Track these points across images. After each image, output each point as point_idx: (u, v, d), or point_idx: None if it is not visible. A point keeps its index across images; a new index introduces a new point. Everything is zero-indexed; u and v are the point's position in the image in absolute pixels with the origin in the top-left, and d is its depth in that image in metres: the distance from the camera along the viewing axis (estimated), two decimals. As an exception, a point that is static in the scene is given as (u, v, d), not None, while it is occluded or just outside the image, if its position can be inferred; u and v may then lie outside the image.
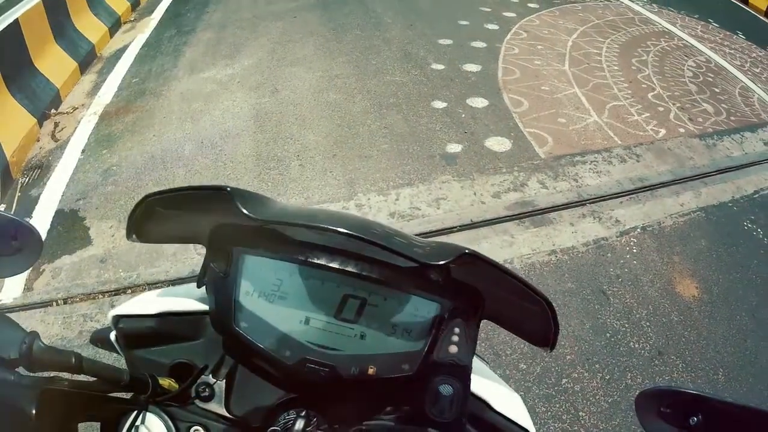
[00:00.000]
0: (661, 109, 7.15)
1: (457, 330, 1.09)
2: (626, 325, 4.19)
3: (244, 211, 0.95)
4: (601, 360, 3.92)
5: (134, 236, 1.16)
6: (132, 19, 10.44)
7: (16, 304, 4.33)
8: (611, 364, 3.90)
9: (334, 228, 0.96)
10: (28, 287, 4.48)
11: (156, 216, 1.15)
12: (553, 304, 1.04)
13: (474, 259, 0.98)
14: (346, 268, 1.07)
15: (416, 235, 4.44)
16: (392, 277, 1.08)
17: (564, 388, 3.72)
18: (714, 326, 4.25)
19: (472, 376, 1.16)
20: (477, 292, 1.13)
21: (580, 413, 3.57)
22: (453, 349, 1.07)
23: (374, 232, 1.01)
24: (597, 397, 3.67)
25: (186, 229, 1.23)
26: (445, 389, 1.06)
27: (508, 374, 3.73)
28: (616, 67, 8.23)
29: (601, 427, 3.52)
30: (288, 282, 1.11)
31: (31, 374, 0.89)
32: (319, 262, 1.08)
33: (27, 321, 4.10)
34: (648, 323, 4.23)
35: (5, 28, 6.54)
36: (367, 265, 1.08)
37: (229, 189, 0.98)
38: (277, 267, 1.11)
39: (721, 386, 3.82)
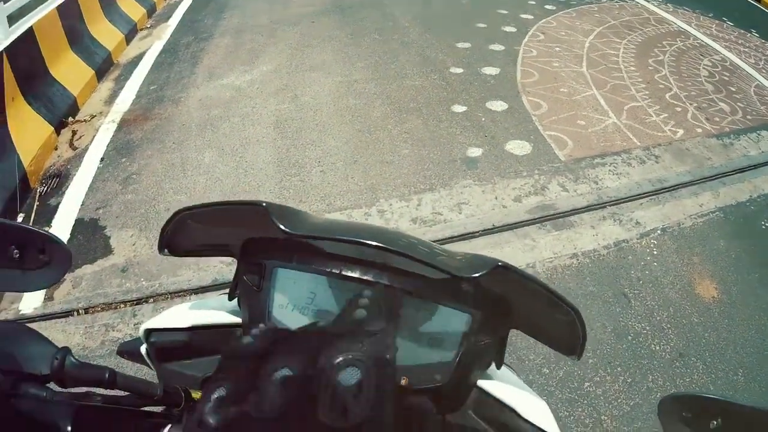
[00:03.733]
0: (678, 109, 7.15)
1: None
2: (647, 328, 4.20)
3: (281, 226, 0.96)
4: (623, 363, 3.93)
5: (166, 250, 1.18)
6: (148, 25, 10.45)
7: (36, 314, 4.33)
8: (633, 367, 3.91)
9: (371, 242, 0.98)
10: (48, 297, 4.49)
11: (188, 230, 1.16)
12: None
13: (507, 271, 0.99)
14: (380, 281, 1.07)
15: (439, 240, 4.44)
16: (424, 289, 1.07)
17: (586, 392, 3.73)
18: (733, 327, 4.26)
19: (501, 384, 1.20)
20: (506, 303, 1.13)
21: (603, 417, 3.58)
22: None
23: (407, 244, 1.03)
24: (619, 400, 3.69)
25: (217, 242, 1.24)
26: None
27: (531, 379, 3.75)
28: (633, 68, 8.23)
29: (623, 431, 3.53)
30: (322, 295, 1.11)
31: (63, 390, 0.91)
32: (353, 275, 1.08)
33: (47, 331, 4.08)
34: (669, 325, 4.24)
35: (20, 36, 6.57)
36: (400, 277, 1.07)
37: (265, 204, 1.00)
38: (311, 280, 1.11)
39: (740, 387, 3.82)
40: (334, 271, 1.08)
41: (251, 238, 1.17)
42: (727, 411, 0.90)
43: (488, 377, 1.20)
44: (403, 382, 1.08)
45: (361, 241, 0.98)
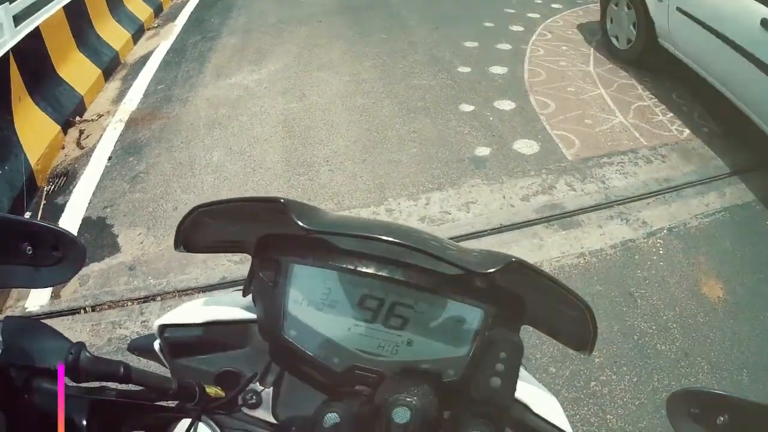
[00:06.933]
0: (685, 108, 7.13)
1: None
2: (653, 327, 4.21)
3: (300, 223, 0.97)
4: (628, 362, 3.94)
5: (182, 247, 1.19)
6: (155, 25, 10.50)
7: (43, 311, 4.38)
8: (639, 367, 3.92)
9: (389, 239, 0.99)
10: (55, 295, 4.52)
11: (204, 226, 1.17)
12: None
13: (520, 267, 1.01)
14: (395, 277, 1.07)
15: (448, 239, 4.45)
16: (438, 284, 1.07)
17: (592, 391, 3.75)
18: (738, 327, 4.26)
19: None
20: (519, 298, 1.13)
21: (608, 416, 3.60)
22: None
23: (422, 240, 1.04)
24: (624, 399, 3.70)
25: (232, 238, 1.25)
26: None
27: (537, 377, 3.70)
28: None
29: (628, 430, 3.54)
30: (337, 290, 1.12)
31: (77, 384, 0.92)
32: (368, 270, 1.08)
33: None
34: (675, 325, 4.24)
35: (26, 35, 6.63)
36: (414, 273, 1.08)
37: (283, 200, 1.01)
38: (326, 276, 1.11)
39: (745, 387, 3.83)
40: (349, 267, 1.09)
41: (266, 234, 1.18)
42: (734, 407, 0.92)
43: None
44: None
45: (378, 237, 0.99)
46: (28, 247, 1.01)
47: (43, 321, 1.07)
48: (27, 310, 4.39)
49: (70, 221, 5.30)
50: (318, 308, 1.13)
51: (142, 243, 5.02)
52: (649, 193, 5.59)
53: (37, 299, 4.49)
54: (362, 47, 8.87)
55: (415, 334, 1.11)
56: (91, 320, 4.31)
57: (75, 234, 4.73)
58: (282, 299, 1.13)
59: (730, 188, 5.72)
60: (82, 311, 4.38)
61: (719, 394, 0.94)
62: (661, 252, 4.89)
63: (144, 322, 4.26)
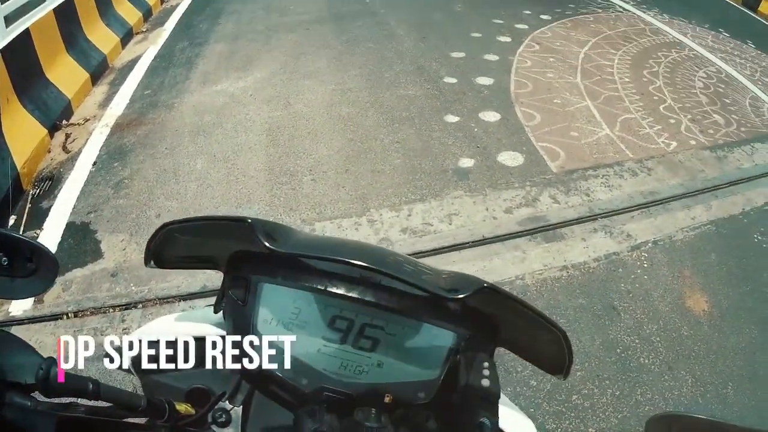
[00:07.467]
0: (672, 121, 7.15)
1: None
2: (636, 341, 4.19)
3: (266, 243, 0.97)
4: (611, 376, 3.92)
5: (152, 262, 1.19)
6: (144, 29, 10.44)
7: (26, 316, 4.31)
8: (621, 380, 3.90)
9: (356, 262, 0.98)
10: (38, 300, 4.45)
11: (174, 243, 1.17)
12: (565, 322, 1.06)
13: (492, 292, 1.00)
14: (365, 298, 1.08)
15: (428, 251, 4.44)
16: (410, 306, 1.08)
17: (574, 404, 3.72)
18: (723, 340, 4.25)
19: None
20: (493, 321, 1.13)
21: (590, 429, 3.57)
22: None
23: (394, 263, 1.04)
24: (607, 413, 3.68)
25: (203, 255, 1.26)
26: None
27: (518, 391, 3.74)
28: (627, 79, 8.25)
29: (610, 444, 3.53)
30: (306, 311, 1.11)
31: (48, 400, 0.91)
32: (338, 291, 1.08)
33: (37, 334, 4.09)
34: (658, 338, 4.23)
35: (16, 37, 6.56)
36: (385, 295, 1.08)
37: (250, 220, 1.01)
38: (296, 296, 1.11)
39: (730, 401, 3.82)
40: (319, 287, 1.08)
41: (238, 251, 1.17)
42: (713, 430, 0.91)
43: None
44: (386, 399, 1.08)
45: (346, 260, 0.99)
46: (4, 258, 1.00)
47: (19, 327, 1.07)
48: (10, 314, 4.33)
49: (54, 226, 5.25)
50: (287, 328, 1.12)
51: (124, 249, 4.97)
52: (634, 206, 5.58)
53: (20, 304, 4.42)
54: (349, 56, 8.87)
55: (386, 356, 1.11)
56: (73, 326, 4.26)
57: (58, 239, 4.76)
58: (251, 318, 1.12)
59: (716, 201, 5.73)
60: (64, 317, 4.33)
61: (698, 418, 0.93)
62: (645, 265, 4.88)
63: (125, 329, 4.22)
